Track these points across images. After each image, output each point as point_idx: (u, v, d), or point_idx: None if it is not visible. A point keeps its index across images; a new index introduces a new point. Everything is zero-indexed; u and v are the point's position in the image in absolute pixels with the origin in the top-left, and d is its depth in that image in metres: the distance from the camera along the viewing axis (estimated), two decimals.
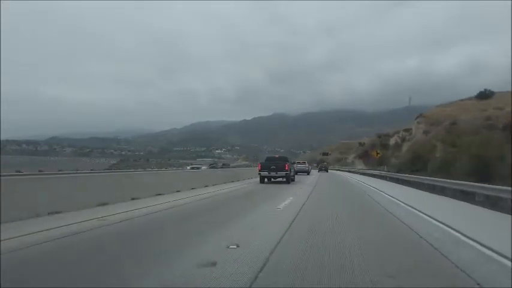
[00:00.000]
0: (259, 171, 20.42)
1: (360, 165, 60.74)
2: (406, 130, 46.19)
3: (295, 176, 32.25)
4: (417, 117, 40.82)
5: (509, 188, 9.69)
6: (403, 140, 44.16)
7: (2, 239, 5.44)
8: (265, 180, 21.16)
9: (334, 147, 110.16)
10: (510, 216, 8.64)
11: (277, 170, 20.13)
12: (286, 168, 20.14)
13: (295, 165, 40.11)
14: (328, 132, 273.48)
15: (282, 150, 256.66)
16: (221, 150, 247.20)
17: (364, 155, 60.91)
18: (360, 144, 79.80)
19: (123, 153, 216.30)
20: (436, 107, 46.05)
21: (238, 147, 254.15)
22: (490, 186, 10.97)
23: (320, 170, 58.76)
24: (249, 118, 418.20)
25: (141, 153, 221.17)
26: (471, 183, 12.28)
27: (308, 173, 39.81)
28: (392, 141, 51.23)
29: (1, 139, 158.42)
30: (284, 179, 20.69)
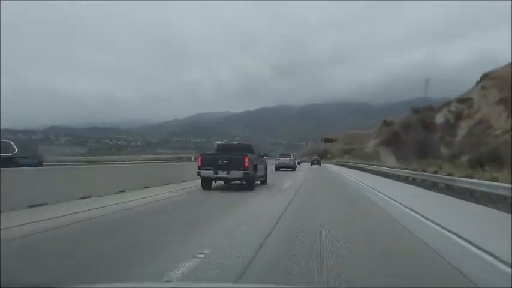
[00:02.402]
0: (199, 168, 12.00)
1: (388, 157, 41.15)
2: (463, 101, 32.54)
3: (277, 172, 24.38)
4: (481, 80, 28.46)
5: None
6: (459, 116, 30.97)
7: None
8: (215, 182, 12.85)
9: (339, 137, 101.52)
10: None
11: (229, 168, 11.78)
12: (246, 164, 11.74)
13: (277, 159, 32.51)
14: (333, 124, 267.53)
15: (285, 142, 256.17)
16: (221, 141, 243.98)
17: (394, 140, 43.06)
18: (386, 123, 57.37)
19: (119, 143, 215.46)
20: (506, 65, 33.16)
21: (239, 139, 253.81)
22: None
23: (312, 163, 53.72)
24: (252, 109, 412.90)
25: (138, 143, 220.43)
26: None
27: (294, 168, 32.04)
28: (439, 118, 36.63)
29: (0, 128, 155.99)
30: (243, 182, 12.37)
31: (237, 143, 14.45)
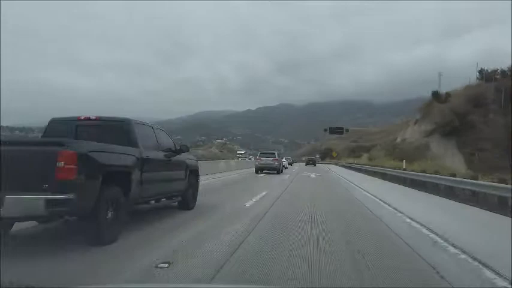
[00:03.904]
0: None
1: (449, 156, 23.84)
2: None
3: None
4: None
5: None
6: None
7: None
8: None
9: (344, 135, 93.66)
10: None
11: (9, 186, 3.72)
12: (62, 175, 3.78)
13: (257, 158, 25.74)
14: (335, 123, 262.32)
15: (286, 141, 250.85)
16: (222, 140, 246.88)
17: (458, 126, 24.74)
18: (438, 98, 32.90)
19: None
20: None
21: (240, 137, 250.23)
22: None
23: (308, 163, 52.92)
24: (254, 108, 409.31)
25: None
26: None
27: (278, 170, 25.48)
28: None
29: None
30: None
31: (90, 116, 6.05)
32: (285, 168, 36.07)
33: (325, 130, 53.89)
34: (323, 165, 60.86)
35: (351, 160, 52.49)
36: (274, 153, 26.70)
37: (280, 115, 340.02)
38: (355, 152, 66.72)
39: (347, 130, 55.62)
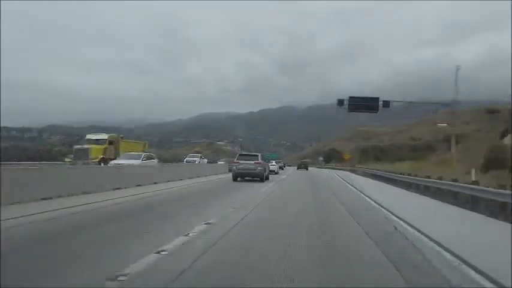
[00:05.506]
0: None
1: None
2: None
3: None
4: None
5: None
6: None
7: None
8: None
9: (348, 136, 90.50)
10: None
11: None
12: None
13: (235, 161, 21.72)
14: (338, 125, 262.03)
15: (288, 143, 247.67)
16: (223, 142, 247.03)
17: None
18: None
19: None
20: None
21: (241, 139, 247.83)
22: None
23: (299, 167, 53.29)
24: (255, 110, 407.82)
25: None
26: None
27: (262, 178, 20.74)
28: None
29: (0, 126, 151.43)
30: None
31: None
32: (275, 173, 31.20)
33: (340, 104, 32.30)
34: (332, 171, 46.24)
35: (377, 166, 34.88)
36: (257, 156, 21.95)
37: (282, 117, 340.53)
38: (367, 153, 61.37)
39: (387, 104, 32.09)
